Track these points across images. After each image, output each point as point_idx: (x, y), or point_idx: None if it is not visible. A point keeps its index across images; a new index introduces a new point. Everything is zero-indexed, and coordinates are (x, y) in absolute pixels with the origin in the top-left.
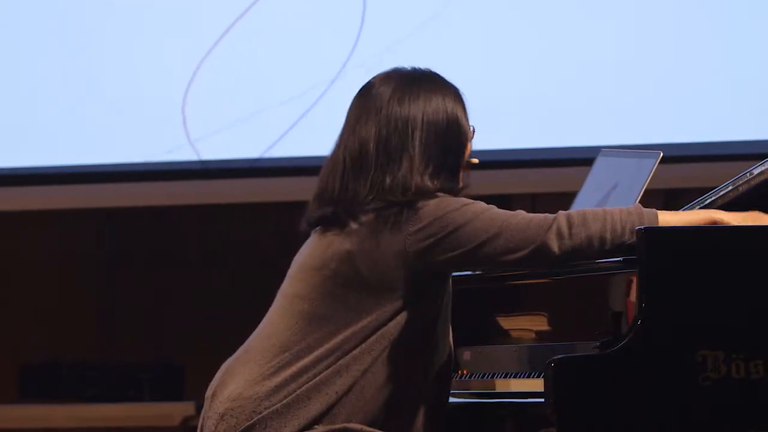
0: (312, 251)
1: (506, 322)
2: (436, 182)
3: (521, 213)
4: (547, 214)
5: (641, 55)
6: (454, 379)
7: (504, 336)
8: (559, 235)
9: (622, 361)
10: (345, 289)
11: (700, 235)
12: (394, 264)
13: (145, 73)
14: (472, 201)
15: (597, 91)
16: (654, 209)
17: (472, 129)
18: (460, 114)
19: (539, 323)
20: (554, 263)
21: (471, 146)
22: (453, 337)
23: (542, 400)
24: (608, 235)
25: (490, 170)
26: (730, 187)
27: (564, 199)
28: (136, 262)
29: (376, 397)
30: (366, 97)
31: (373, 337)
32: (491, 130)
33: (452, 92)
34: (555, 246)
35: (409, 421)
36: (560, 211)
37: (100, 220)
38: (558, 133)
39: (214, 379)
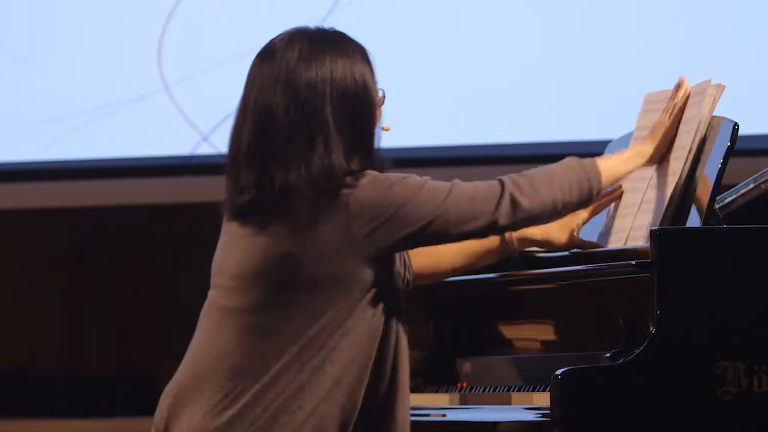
0: (246, 257)
1: (509, 331)
2: (354, 160)
3: (462, 183)
4: (490, 182)
5: (645, 48)
6: (454, 392)
7: (507, 346)
8: (513, 204)
9: (635, 373)
10: (294, 293)
11: (720, 237)
12: (340, 257)
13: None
14: (406, 174)
15: (603, 85)
16: (593, 159)
17: (381, 93)
18: (368, 77)
19: (545, 332)
20: (503, 232)
21: (381, 112)
22: (452, 346)
23: (548, 415)
24: (559, 198)
25: (509, 165)
26: (752, 185)
27: None
28: (107, 264)
29: (347, 401)
30: (269, 63)
31: (332, 341)
32: (501, 125)
33: (359, 53)
34: (508, 218)
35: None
36: (504, 178)
37: (68, 220)
38: (563, 128)
39: (160, 408)
